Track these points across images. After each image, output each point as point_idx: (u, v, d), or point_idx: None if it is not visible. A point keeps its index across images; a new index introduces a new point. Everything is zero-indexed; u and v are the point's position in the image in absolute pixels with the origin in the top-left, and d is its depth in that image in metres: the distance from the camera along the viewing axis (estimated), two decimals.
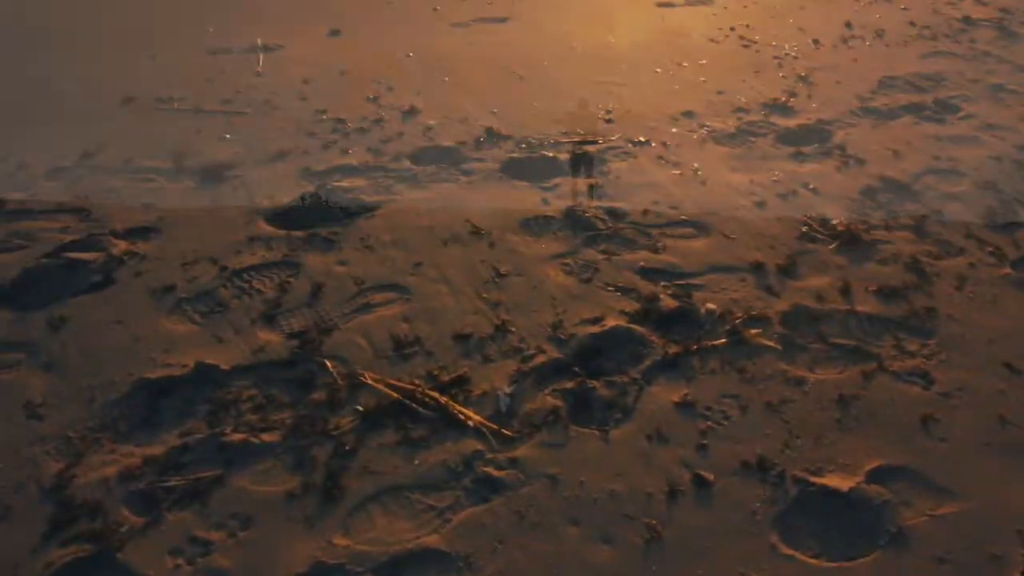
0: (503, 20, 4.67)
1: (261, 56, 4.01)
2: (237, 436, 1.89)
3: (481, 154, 3.22)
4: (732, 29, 4.59)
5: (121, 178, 2.95)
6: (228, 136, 3.27)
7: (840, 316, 2.35)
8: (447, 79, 3.88)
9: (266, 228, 2.71)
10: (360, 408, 1.99)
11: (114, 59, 3.95)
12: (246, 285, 2.43)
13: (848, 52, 4.31)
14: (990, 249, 2.67)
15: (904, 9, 4.93)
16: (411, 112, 3.53)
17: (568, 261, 2.59)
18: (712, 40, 4.44)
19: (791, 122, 3.53)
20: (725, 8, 4.92)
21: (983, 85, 3.91)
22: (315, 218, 2.78)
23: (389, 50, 4.17)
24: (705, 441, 1.92)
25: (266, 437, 1.90)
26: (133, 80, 3.72)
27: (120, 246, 2.56)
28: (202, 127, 3.34)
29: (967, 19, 4.74)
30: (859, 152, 3.28)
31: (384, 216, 2.79)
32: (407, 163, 3.15)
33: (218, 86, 3.70)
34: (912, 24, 4.69)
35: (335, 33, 4.37)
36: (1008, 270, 2.56)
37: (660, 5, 4.97)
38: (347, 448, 1.88)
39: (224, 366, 2.09)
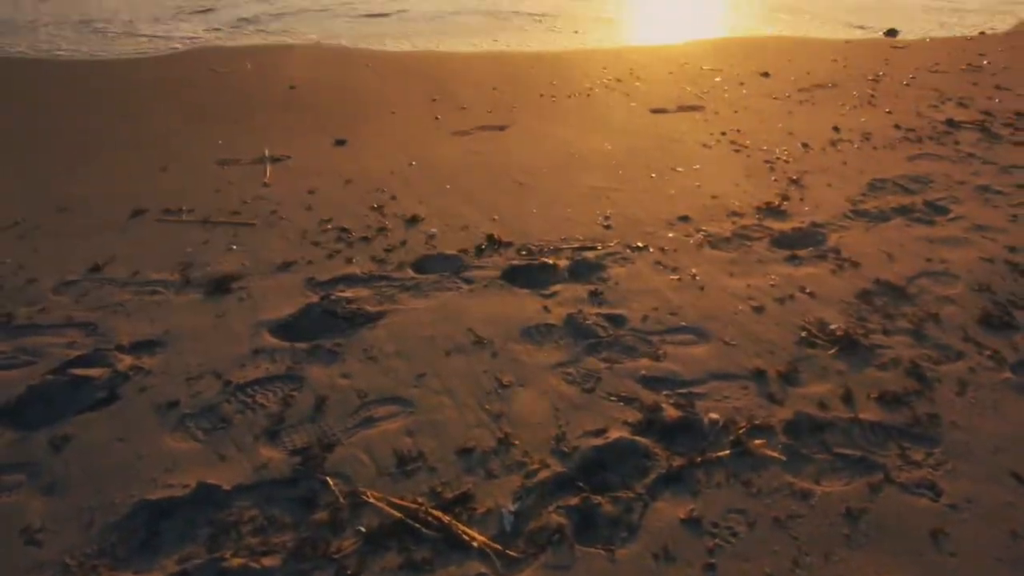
0: (502, 128, 4.83)
1: (269, 167, 4.14)
2: (237, 561, 1.86)
3: (482, 261, 3.29)
4: (723, 134, 4.75)
5: (129, 291, 3.00)
6: (235, 247, 3.35)
7: (844, 424, 2.34)
8: (449, 187, 3.99)
9: (270, 340, 2.74)
10: (362, 529, 1.97)
11: (125, 171, 4.07)
12: (249, 400, 2.44)
13: (837, 155, 4.45)
14: (988, 353, 2.69)
15: (888, 112, 5.12)
16: (414, 220, 3.62)
17: (570, 370, 2.60)
18: (705, 145, 4.59)
19: (785, 225, 3.61)
20: (716, 114, 5.11)
21: (970, 186, 4.02)
22: (319, 329, 2.81)
23: (393, 159, 4.30)
24: (713, 560, 1.89)
25: (266, 562, 1.87)
26: (143, 192, 3.82)
27: (126, 361, 2.58)
28: (210, 238, 3.42)
29: (950, 122, 4.92)
30: (853, 255, 3.35)
31: (387, 326, 2.82)
32: (410, 272, 3.20)
33: (226, 197, 3.80)
34: (897, 127, 4.86)
35: (341, 143, 4.52)
36: (1008, 374, 2.57)
37: (653, 111, 5.16)
38: (349, 573, 1.85)
39: (226, 486, 2.07)
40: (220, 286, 3.04)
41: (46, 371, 2.52)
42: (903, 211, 3.77)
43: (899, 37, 7.13)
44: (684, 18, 7.95)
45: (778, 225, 3.62)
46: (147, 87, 5.30)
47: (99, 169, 4.09)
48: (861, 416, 2.37)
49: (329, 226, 3.55)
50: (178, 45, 6.22)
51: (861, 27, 7.44)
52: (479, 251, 3.36)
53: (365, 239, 3.44)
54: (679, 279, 3.17)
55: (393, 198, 3.85)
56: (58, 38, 6.27)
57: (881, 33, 7.23)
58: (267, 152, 4.30)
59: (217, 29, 6.65)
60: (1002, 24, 7.76)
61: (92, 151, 4.33)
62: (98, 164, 4.16)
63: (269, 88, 5.37)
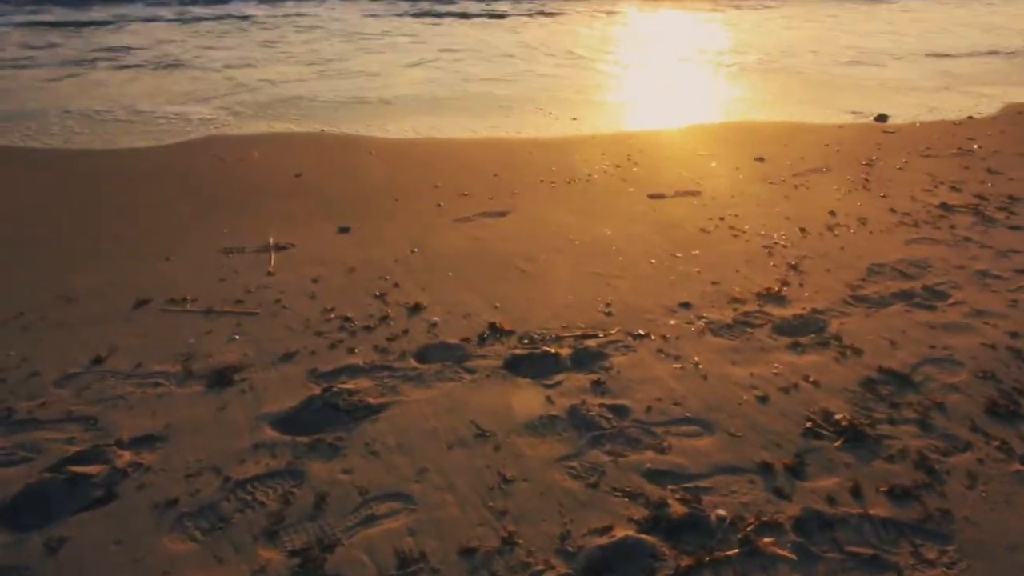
0: (503, 214, 4.91)
1: (273, 255, 4.19)
2: None
3: (485, 350, 3.29)
4: (721, 219, 4.82)
5: (131, 383, 2.99)
6: (238, 337, 3.35)
7: (854, 521, 2.30)
8: (451, 274, 4.02)
9: (271, 434, 2.71)
10: None
11: (130, 261, 4.12)
12: (249, 497, 2.40)
13: (834, 240, 4.50)
14: (997, 443, 2.66)
15: (883, 197, 5.21)
16: (416, 308, 3.64)
17: (574, 464, 2.57)
18: (703, 230, 4.65)
19: (786, 312, 3.63)
20: (713, 199, 5.20)
21: (968, 271, 4.05)
22: (321, 422, 2.79)
23: (396, 246, 4.35)
24: None
25: None
26: (148, 282, 3.86)
27: (124, 457, 2.55)
28: (213, 328, 3.43)
29: (944, 206, 4.99)
30: (855, 342, 3.35)
31: (389, 419, 2.80)
32: (412, 361, 3.20)
33: (230, 286, 3.83)
34: (893, 211, 4.93)
35: (345, 230, 4.58)
36: (1018, 466, 2.54)
37: (652, 197, 5.25)
38: None
39: None
40: (222, 378, 3.03)
41: (44, 468, 2.49)
42: (903, 296, 3.79)
43: (889, 122, 7.31)
44: (678, 104, 8.18)
45: (779, 311, 3.63)
46: (153, 176, 5.41)
47: (105, 259, 4.14)
48: (871, 512, 2.33)
49: (332, 315, 3.56)
50: (184, 134, 6.38)
51: (852, 112, 7.64)
52: (481, 340, 3.37)
53: (368, 328, 3.45)
54: (682, 368, 3.16)
55: (396, 286, 3.88)
56: (62, 127, 6.43)
57: (871, 118, 7.42)
58: (272, 240, 4.36)
59: (224, 116, 6.83)
60: (988, 107, 7.97)
61: (98, 241, 4.39)
62: (104, 254, 4.21)
63: (275, 176, 5.48)
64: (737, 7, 12.31)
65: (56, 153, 5.86)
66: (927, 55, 10.73)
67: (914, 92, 8.58)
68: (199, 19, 9.62)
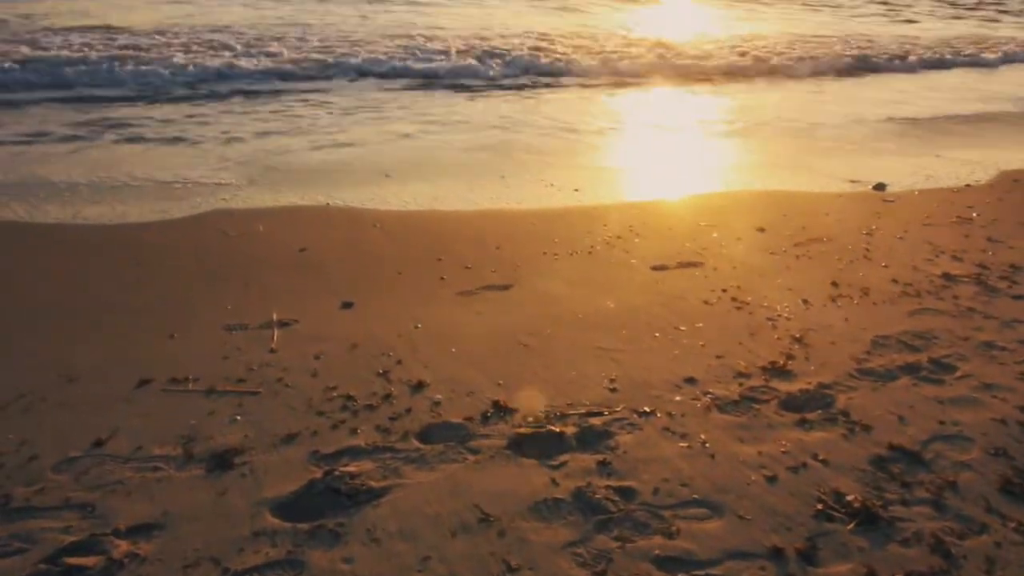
0: (506, 287, 4.93)
1: (276, 332, 4.19)
2: None
3: (488, 430, 3.25)
4: (724, 291, 4.82)
5: (130, 468, 2.95)
6: (239, 418, 3.33)
7: None
8: (454, 349, 4.01)
9: (271, 520, 2.66)
10: None
11: (134, 338, 4.12)
12: None
13: (838, 311, 4.50)
14: (1013, 525, 2.60)
15: (885, 267, 5.22)
16: (419, 386, 3.61)
17: (580, 550, 2.52)
18: (706, 302, 4.65)
19: (792, 387, 3.60)
20: (715, 270, 5.21)
21: (974, 343, 4.04)
22: (322, 507, 2.74)
23: (399, 321, 4.35)
24: None
25: None
26: (151, 360, 3.85)
27: (121, 547, 2.50)
28: (215, 408, 3.41)
29: (947, 275, 5.00)
30: (864, 418, 3.31)
31: (391, 503, 2.75)
32: (415, 442, 3.17)
33: (233, 364, 3.82)
34: (895, 281, 4.94)
35: (348, 306, 4.59)
36: None
37: (654, 268, 5.27)
38: None
39: None
40: (223, 461, 2.99)
41: (39, 560, 2.44)
42: (910, 370, 3.76)
43: (888, 191, 7.39)
44: (677, 174, 8.28)
45: (785, 386, 3.61)
46: (159, 251, 5.45)
47: (108, 336, 4.14)
48: None
49: (334, 393, 3.54)
50: (191, 209, 6.46)
51: (850, 181, 7.73)
52: (485, 419, 3.34)
53: (370, 407, 3.42)
54: (688, 447, 3.12)
55: (399, 363, 3.86)
56: (70, 200, 6.52)
57: (870, 187, 7.50)
58: (275, 316, 4.36)
59: (230, 190, 6.93)
60: (984, 175, 8.07)
61: (102, 316, 4.40)
62: (107, 331, 4.21)
63: (279, 251, 5.53)
64: (733, 81, 12.61)
65: (64, 227, 5.92)
66: (902, 119, 10.94)
67: (912, 158, 8.69)
68: (209, 96, 9.86)
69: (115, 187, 6.87)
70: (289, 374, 3.72)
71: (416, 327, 4.30)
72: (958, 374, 3.71)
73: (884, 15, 26.21)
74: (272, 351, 3.98)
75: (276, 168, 7.61)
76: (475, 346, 4.06)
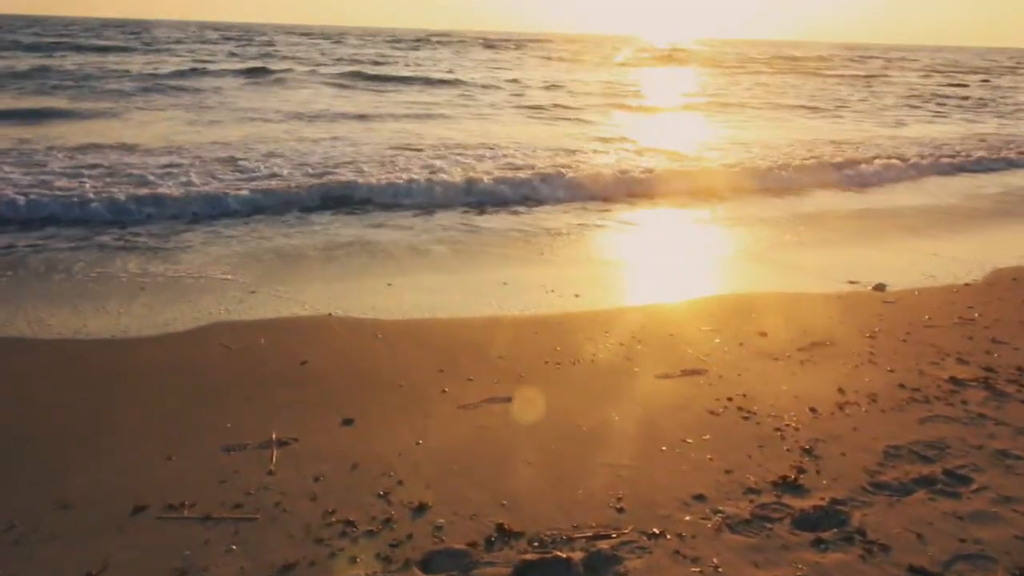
0: (509, 400, 4.87)
1: (275, 452, 4.11)
2: None
3: (492, 556, 3.14)
4: (730, 399, 4.77)
5: None
6: (235, 547, 3.22)
7: None
8: (456, 468, 3.93)
9: None
10: None
11: (131, 461, 4.04)
12: None
13: (847, 420, 4.42)
14: None
15: (891, 371, 5.18)
16: (420, 509, 3.52)
17: None
18: (712, 412, 4.59)
19: (805, 503, 3.50)
20: (720, 377, 5.17)
21: (988, 452, 3.95)
22: None
23: (400, 438, 4.28)
24: None
25: None
26: (147, 485, 3.76)
27: None
28: (210, 537, 3.30)
29: (954, 380, 4.95)
30: (881, 537, 3.20)
31: None
32: (416, 571, 3.05)
33: (230, 488, 3.73)
34: (902, 387, 4.88)
35: (348, 422, 4.53)
36: None
37: (658, 377, 5.23)
38: None
39: None
40: None
41: None
42: (924, 482, 3.67)
43: (888, 290, 7.42)
44: (677, 279, 8.35)
45: (797, 503, 3.51)
46: (158, 368, 5.42)
47: (105, 459, 4.06)
48: None
49: (334, 519, 3.44)
50: (192, 322, 6.47)
51: (850, 282, 7.77)
52: (489, 544, 3.23)
53: (370, 533, 3.32)
54: (701, 572, 3.00)
55: (400, 483, 3.77)
56: (70, 315, 6.54)
57: (870, 287, 7.53)
58: (274, 435, 4.30)
59: (230, 304, 6.96)
60: (980, 272, 8.13)
61: (98, 438, 4.33)
62: (105, 451, 4.14)
63: (281, 364, 5.50)
64: (716, 199, 12.94)
65: (63, 343, 5.91)
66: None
67: (909, 255, 8.77)
68: (213, 217, 10.10)
69: (115, 303, 6.90)
70: (287, 498, 3.63)
71: (417, 443, 4.22)
72: (974, 486, 3.61)
73: (864, 118, 27.10)
74: (271, 473, 3.90)
75: (281, 278, 7.68)
76: (478, 464, 3.97)
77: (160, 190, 10.65)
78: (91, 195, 10.21)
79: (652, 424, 4.43)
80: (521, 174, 12.57)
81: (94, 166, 12.27)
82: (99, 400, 4.86)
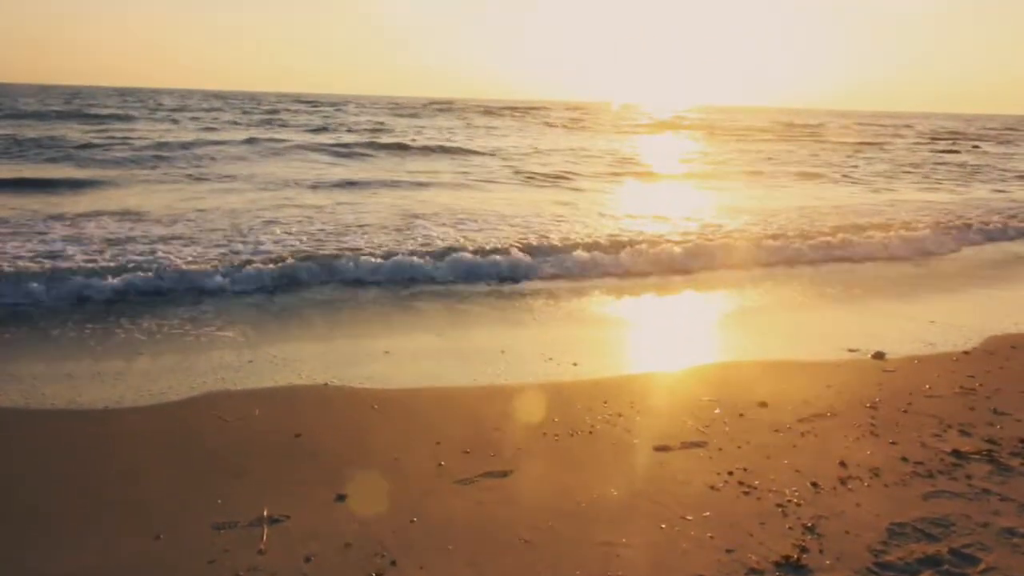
0: (506, 474, 4.79)
1: (266, 530, 4.02)
2: None
3: None
4: (730, 474, 4.69)
5: None
6: None
7: None
8: (451, 547, 3.84)
9: None
10: None
11: (118, 540, 3.94)
12: None
13: (849, 495, 4.35)
14: None
15: (892, 443, 5.11)
16: None
17: None
18: (713, 487, 4.51)
19: None
20: (720, 450, 5.10)
21: (994, 530, 3.87)
22: None
23: (395, 515, 4.20)
24: None
25: None
26: (132, 568, 3.67)
27: None
28: None
29: (957, 453, 4.89)
30: None
31: None
32: None
33: (219, 569, 3.64)
34: (905, 460, 4.82)
35: (341, 498, 4.44)
36: None
37: (657, 449, 5.15)
38: None
39: None
40: None
41: None
42: (931, 563, 3.58)
43: (887, 358, 7.39)
44: (675, 347, 8.32)
45: None
46: (152, 439, 5.35)
47: (90, 539, 3.96)
48: None
49: None
50: (188, 391, 6.42)
51: (848, 349, 7.75)
52: None
53: None
54: None
55: (393, 563, 3.68)
56: (64, 386, 6.50)
57: (869, 356, 7.51)
58: (266, 512, 4.21)
59: (227, 373, 6.92)
60: (978, 339, 8.12)
61: (85, 516, 4.24)
62: (90, 532, 4.04)
63: (274, 436, 5.43)
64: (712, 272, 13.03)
65: (58, 413, 5.85)
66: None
67: (906, 321, 8.77)
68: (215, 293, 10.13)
69: (110, 372, 6.86)
70: None
71: (412, 521, 4.14)
72: (982, 567, 3.53)
73: (852, 185, 27.50)
74: (261, 552, 3.81)
75: (279, 345, 7.65)
76: (474, 542, 3.89)
77: (159, 256, 10.71)
78: (91, 265, 10.25)
79: (652, 500, 4.35)
80: (517, 243, 12.62)
81: (95, 237, 12.34)
82: (89, 475, 4.78)
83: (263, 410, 5.96)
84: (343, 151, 31.51)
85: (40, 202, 16.15)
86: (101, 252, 11.04)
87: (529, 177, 25.34)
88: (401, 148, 33.73)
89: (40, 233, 12.44)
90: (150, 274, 9.88)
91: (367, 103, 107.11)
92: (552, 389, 6.61)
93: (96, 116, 46.03)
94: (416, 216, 15.71)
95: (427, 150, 33.66)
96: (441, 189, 21.44)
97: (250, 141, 32.64)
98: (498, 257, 11.70)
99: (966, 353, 7.55)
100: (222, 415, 5.83)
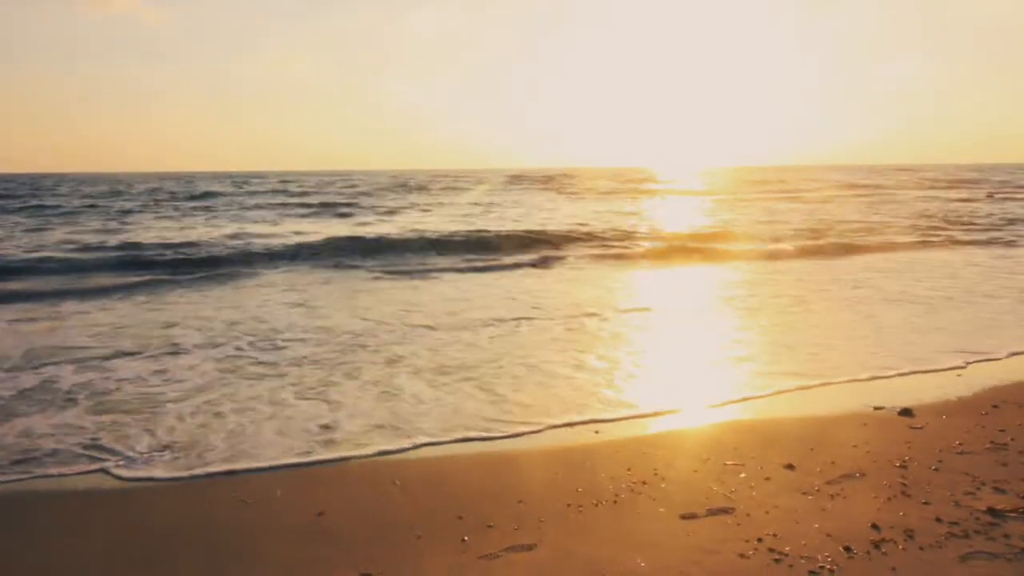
0: (531, 548, 4.71)
1: None
2: None
3: None
4: (760, 540, 4.58)
5: None
6: None
7: None
8: None
9: None
10: None
11: None
12: None
13: (884, 560, 4.23)
14: None
15: (925, 504, 4.99)
16: None
17: None
18: (742, 555, 4.40)
19: None
20: (748, 516, 4.99)
21: None
22: None
23: None
24: None
25: None
26: None
27: None
28: None
29: (992, 511, 4.76)
30: None
31: None
32: None
33: None
34: (939, 521, 4.69)
35: None
36: None
37: (683, 517, 5.06)
38: None
39: None
40: None
41: None
42: None
43: (914, 414, 7.26)
44: (696, 403, 8.21)
45: None
46: (169, 523, 5.31)
47: None
48: None
49: None
50: (202, 466, 6.41)
51: (874, 407, 7.63)
52: None
53: None
54: None
55: None
56: (81, 466, 6.50)
57: (896, 412, 7.38)
58: None
59: (244, 447, 6.91)
60: (1007, 392, 7.97)
61: None
62: None
63: (296, 517, 5.38)
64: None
65: (71, 496, 5.83)
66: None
67: (926, 369, 8.65)
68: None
69: (127, 453, 6.86)
70: None
71: None
72: None
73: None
74: None
75: (294, 426, 7.64)
76: None
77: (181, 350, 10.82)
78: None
79: (680, 572, 4.25)
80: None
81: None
82: (108, 560, 4.74)
83: (284, 490, 5.92)
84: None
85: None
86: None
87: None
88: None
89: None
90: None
91: (396, 174, 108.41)
92: (574, 457, 6.53)
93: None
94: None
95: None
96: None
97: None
98: None
99: (995, 407, 7.41)
100: (242, 497, 5.80)
